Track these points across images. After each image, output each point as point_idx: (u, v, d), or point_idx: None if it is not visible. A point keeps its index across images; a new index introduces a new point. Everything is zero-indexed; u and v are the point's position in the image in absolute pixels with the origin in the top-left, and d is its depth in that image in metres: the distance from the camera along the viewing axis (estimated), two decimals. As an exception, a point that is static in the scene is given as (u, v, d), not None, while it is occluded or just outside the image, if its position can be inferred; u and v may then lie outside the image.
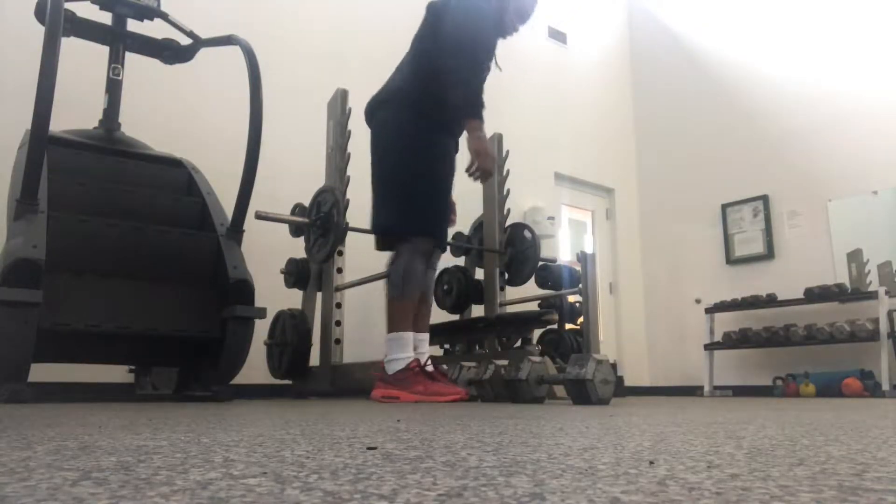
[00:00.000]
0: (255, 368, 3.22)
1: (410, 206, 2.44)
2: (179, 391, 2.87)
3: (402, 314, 2.41)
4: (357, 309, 4.02)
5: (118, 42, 2.90)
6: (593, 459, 0.61)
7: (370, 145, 2.60)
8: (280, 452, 0.66)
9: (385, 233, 2.51)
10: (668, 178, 6.42)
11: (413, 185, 2.44)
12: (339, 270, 3.38)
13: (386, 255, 3.51)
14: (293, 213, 3.47)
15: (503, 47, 2.73)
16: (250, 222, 2.81)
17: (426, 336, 2.60)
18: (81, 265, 2.37)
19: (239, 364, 2.58)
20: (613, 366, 3.67)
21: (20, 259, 2.08)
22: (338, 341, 3.31)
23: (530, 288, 3.63)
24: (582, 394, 2.19)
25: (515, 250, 3.62)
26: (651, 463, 0.58)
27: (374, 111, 2.59)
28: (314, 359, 3.35)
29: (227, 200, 2.78)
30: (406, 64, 2.61)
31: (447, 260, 3.34)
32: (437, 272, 3.07)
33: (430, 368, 2.37)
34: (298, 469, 0.53)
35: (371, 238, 3.60)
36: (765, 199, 5.69)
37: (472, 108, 2.45)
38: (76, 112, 3.01)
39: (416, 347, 2.52)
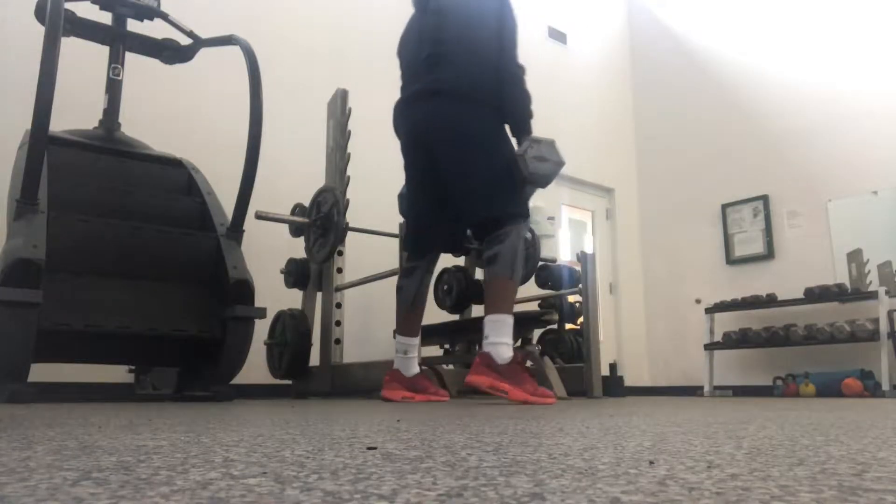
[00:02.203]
0: (255, 368, 3.22)
1: (516, 191, 2.35)
2: (179, 391, 2.87)
3: (511, 296, 2.25)
4: (357, 309, 4.02)
5: (118, 42, 2.90)
6: (593, 459, 0.61)
7: (437, 134, 2.40)
8: (280, 452, 0.66)
9: (500, 216, 2.30)
10: (668, 178, 6.42)
11: (510, 172, 2.35)
12: (339, 270, 3.38)
13: (385, 255, 3.52)
14: (293, 213, 3.47)
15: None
16: (250, 222, 2.81)
17: (419, 340, 2.57)
18: (81, 265, 2.37)
19: (239, 364, 2.58)
20: (613, 365, 3.67)
21: (20, 259, 2.08)
22: (338, 341, 3.31)
23: (530, 288, 3.63)
24: (516, 171, 2.25)
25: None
26: (651, 463, 0.58)
27: (447, 103, 2.39)
28: (314, 359, 3.35)
29: (227, 200, 2.78)
30: (473, 51, 2.42)
31: (447, 260, 3.33)
32: (437, 272, 3.05)
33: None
34: (298, 469, 0.53)
35: (371, 239, 3.62)
36: (765, 199, 5.69)
37: (529, 125, 2.41)
38: (76, 112, 3.01)
39: (407, 352, 2.50)
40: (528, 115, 2.42)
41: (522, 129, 2.40)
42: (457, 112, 2.38)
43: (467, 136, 2.36)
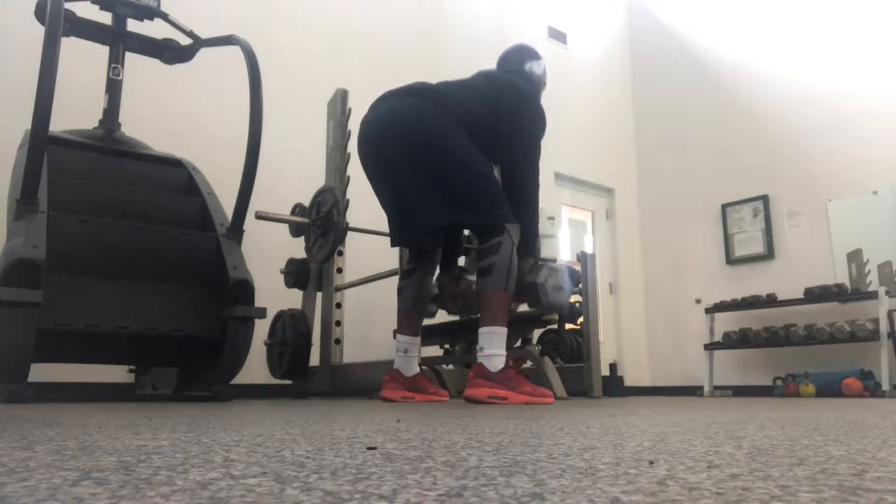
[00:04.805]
0: (255, 368, 3.22)
1: (504, 199, 2.32)
2: (179, 391, 2.87)
3: (504, 308, 2.26)
4: (357, 309, 4.02)
5: (118, 42, 2.90)
6: (593, 459, 0.61)
7: (412, 130, 2.31)
8: (280, 452, 0.66)
9: (492, 225, 2.27)
10: (668, 178, 6.42)
11: (493, 182, 2.35)
12: (339, 270, 3.38)
13: (385, 255, 3.52)
14: (293, 213, 3.47)
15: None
16: (250, 222, 2.81)
17: (419, 339, 2.58)
18: (81, 265, 2.37)
19: (239, 364, 2.58)
20: (613, 365, 3.67)
21: (20, 259, 2.08)
22: (338, 341, 3.31)
23: (530, 288, 3.64)
24: (534, 299, 2.33)
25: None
26: (651, 463, 0.58)
27: (425, 104, 2.34)
28: (314, 359, 3.35)
29: (227, 200, 2.78)
30: (475, 101, 2.38)
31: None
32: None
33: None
34: (298, 469, 0.53)
35: (371, 239, 3.61)
36: (765, 199, 5.69)
37: (537, 245, 2.44)
38: (76, 112, 3.01)
39: (408, 351, 2.51)
40: (537, 234, 2.44)
41: (529, 251, 2.41)
42: (431, 117, 2.31)
43: (442, 140, 2.29)
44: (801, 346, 5.00)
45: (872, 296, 4.75)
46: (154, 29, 3.04)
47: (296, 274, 3.46)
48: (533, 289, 2.31)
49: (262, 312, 2.55)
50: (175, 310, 2.51)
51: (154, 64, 3.14)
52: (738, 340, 5.28)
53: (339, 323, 3.34)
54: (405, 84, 2.46)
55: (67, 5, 2.64)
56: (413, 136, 2.30)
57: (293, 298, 3.50)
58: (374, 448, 0.70)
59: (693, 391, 5.50)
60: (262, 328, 3.08)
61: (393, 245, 2.62)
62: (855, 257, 5.12)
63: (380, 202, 2.52)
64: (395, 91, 2.43)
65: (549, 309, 2.42)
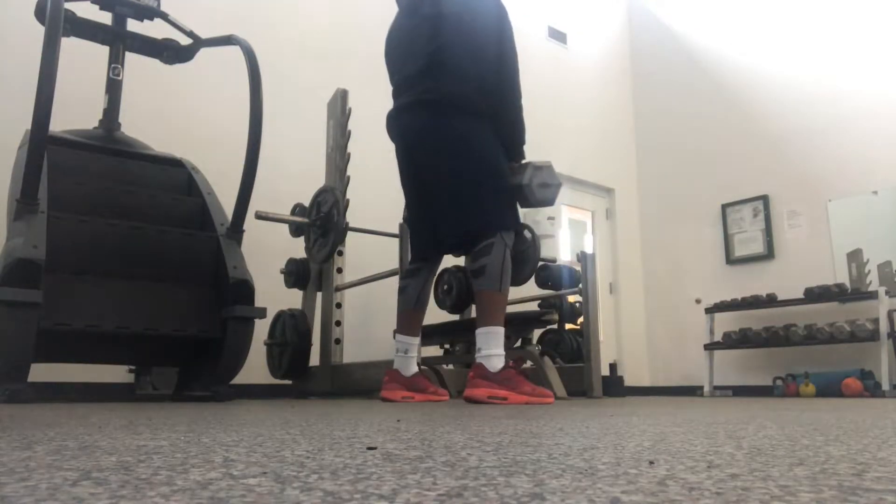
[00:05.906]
0: (255, 368, 3.22)
1: (502, 202, 2.37)
2: (179, 391, 2.87)
3: (500, 308, 2.29)
4: (357, 309, 4.02)
5: (118, 42, 2.90)
6: (593, 459, 0.61)
7: (429, 148, 2.39)
8: (280, 452, 0.66)
9: (483, 230, 2.32)
10: (668, 178, 6.42)
11: (500, 183, 2.37)
12: (339, 270, 3.38)
13: (385, 255, 3.52)
14: (293, 213, 3.47)
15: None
16: (250, 222, 2.81)
17: (419, 340, 2.60)
18: (81, 265, 2.37)
19: (239, 364, 2.58)
20: (613, 365, 3.67)
21: (20, 259, 2.08)
22: (338, 341, 3.31)
23: (530, 288, 3.63)
24: (521, 199, 2.35)
25: (515, 251, 3.60)
26: (651, 463, 0.58)
27: (436, 115, 2.37)
28: (314, 359, 3.35)
29: (227, 200, 2.78)
30: (471, 60, 2.38)
31: (447, 260, 3.34)
32: (438, 272, 3.06)
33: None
34: (298, 469, 0.53)
35: (371, 239, 3.62)
36: (765, 199, 5.69)
37: (523, 151, 2.46)
38: (76, 112, 3.01)
39: (408, 351, 2.52)
40: (523, 141, 2.47)
41: (517, 157, 2.44)
42: (446, 125, 2.35)
43: (454, 150, 2.34)
44: (801, 346, 5.00)
45: (872, 296, 4.75)
46: (154, 29, 3.04)
47: (296, 274, 3.46)
48: (519, 190, 2.33)
49: (262, 312, 2.56)
50: (175, 310, 2.51)
51: (154, 64, 3.14)
52: (738, 340, 5.28)
53: (339, 323, 3.34)
54: (411, 87, 2.47)
55: (67, 5, 2.65)
56: (429, 157, 2.41)
57: (293, 298, 3.50)
58: (374, 448, 0.70)
59: (693, 391, 5.50)
60: (262, 328, 3.08)
61: (416, 256, 2.66)
62: (855, 257, 5.12)
63: (407, 205, 2.64)
64: (406, 105, 2.46)
65: (538, 206, 2.45)
